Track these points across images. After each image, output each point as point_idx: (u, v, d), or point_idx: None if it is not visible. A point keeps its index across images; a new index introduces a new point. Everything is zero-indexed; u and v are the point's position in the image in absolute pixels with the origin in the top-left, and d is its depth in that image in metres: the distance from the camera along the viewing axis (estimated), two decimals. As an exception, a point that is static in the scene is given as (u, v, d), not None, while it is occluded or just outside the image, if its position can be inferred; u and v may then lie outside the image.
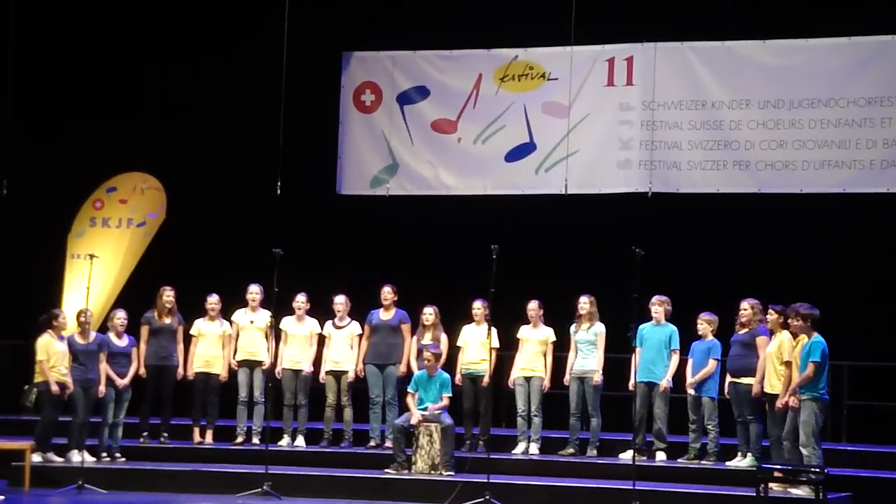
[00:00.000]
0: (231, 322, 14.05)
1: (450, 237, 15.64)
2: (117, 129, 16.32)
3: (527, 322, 13.69)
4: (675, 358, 13.19)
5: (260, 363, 13.91)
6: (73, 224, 16.32)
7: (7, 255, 16.20)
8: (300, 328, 13.98)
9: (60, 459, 13.14)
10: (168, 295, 13.88)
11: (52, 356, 12.99)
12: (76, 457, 13.08)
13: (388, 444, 13.37)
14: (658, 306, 13.25)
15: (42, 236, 16.17)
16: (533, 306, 13.64)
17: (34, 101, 16.00)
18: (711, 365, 12.97)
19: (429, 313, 13.76)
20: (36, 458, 12.91)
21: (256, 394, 13.92)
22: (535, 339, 13.62)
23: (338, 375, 13.94)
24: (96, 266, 13.74)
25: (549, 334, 13.63)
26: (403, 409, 13.40)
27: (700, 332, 13.12)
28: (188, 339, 14.01)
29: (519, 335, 13.70)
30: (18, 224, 16.02)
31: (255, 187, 15.60)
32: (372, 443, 13.79)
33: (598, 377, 13.40)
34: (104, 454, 13.40)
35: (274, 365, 13.87)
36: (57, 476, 12.79)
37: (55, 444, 13.19)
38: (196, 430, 13.98)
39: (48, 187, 16.08)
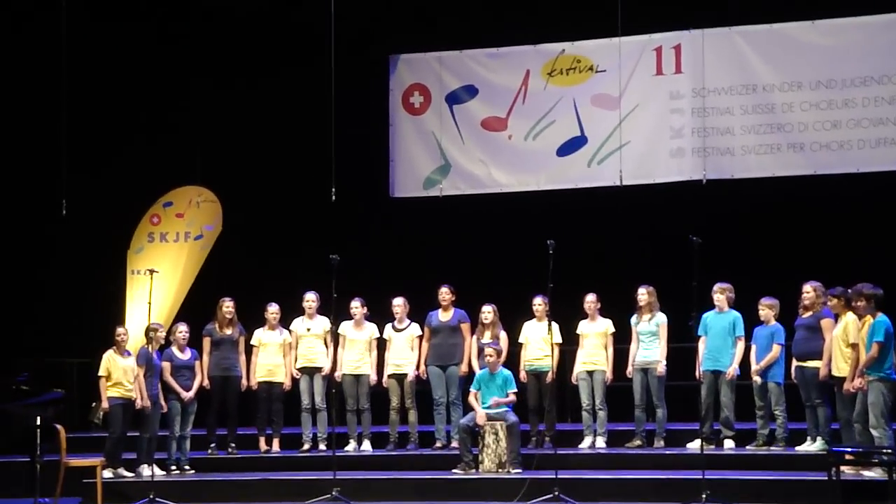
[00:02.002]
0: (290, 331, 14.12)
1: (505, 234, 15.64)
2: (171, 144, 16.45)
3: (585, 316, 13.66)
4: (741, 345, 13.09)
5: (319, 370, 13.97)
6: (132, 240, 16.47)
7: (69, 274, 16.38)
8: (359, 333, 14.01)
9: (131, 474, 13.27)
10: (227, 306, 13.98)
11: (113, 372, 13.14)
12: (146, 471, 13.19)
13: (455, 444, 13.38)
14: (720, 294, 13.17)
15: (102, 254, 16.32)
16: (590, 300, 13.61)
17: (89, 121, 16.14)
18: (776, 350, 12.88)
19: (487, 311, 13.75)
20: (107, 473, 13.03)
21: (317, 400, 13.98)
22: (593, 332, 13.59)
23: (400, 378, 13.96)
24: (156, 281, 13.85)
25: (607, 326, 13.59)
26: (467, 408, 13.40)
27: (762, 318, 13.02)
28: (249, 348, 14.09)
29: (578, 330, 13.67)
30: (79, 243, 16.20)
31: (310, 194, 15.65)
32: (438, 444, 13.80)
33: (661, 367, 13.34)
34: (173, 467, 13.52)
35: (333, 370, 13.92)
36: (128, 491, 12.90)
37: (125, 460, 13.32)
38: (262, 440, 14.06)
39: (106, 206, 16.24)
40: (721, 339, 13.07)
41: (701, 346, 13.02)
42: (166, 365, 13.50)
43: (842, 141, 15.01)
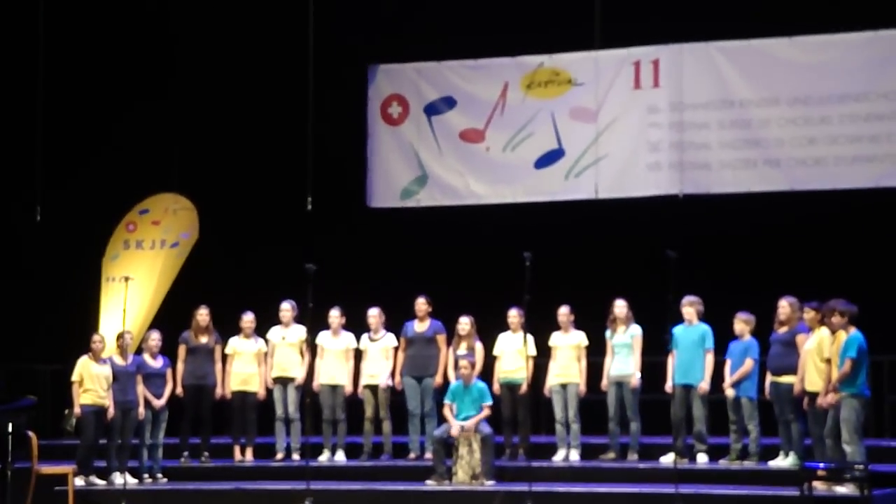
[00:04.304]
0: (266, 340, 14.09)
1: (482, 246, 15.62)
2: (148, 151, 16.40)
3: (559, 328, 13.66)
4: (711, 358, 13.11)
5: (293, 380, 13.95)
6: (107, 247, 16.40)
7: (43, 280, 16.30)
8: (336, 343, 14.00)
9: (103, 482, 13.22)
10: (202, 314, 13.95)
11: (87, 379, 13.08)
12: (118, 479, 13.15)
13: (428, 455, 13.36)
14: (689, 307, 13.19)
15: (77, 261, 16.25)
16: (563, 312, 13.61)
17: (65, 127, 16.09)
18: (748, 364, 12.89)
19: (464, 323, 13.75)
20: (79, 481, 12.99)
21: (291, 410, 13.95)
22: (567, 345, 13.58)
23: (375, 389, 13.94)
24: (132, 288, 13.85)
25: (581, 339, 13.59)
26: (442, 420, 13.38)
27: (737, 332, 13.05)
28: (224, 357, 14.05)
29: (551, 343, 13.66)
30: (53, 249, 16.12)
31: (287, 204, 15.63)
32: (412, 455, 13.79)
33: (635, 380, 13.35)
34: (146, 475, 13.46)
35: (309, 381, 13.90)
36: (100, 499, 12.89)
37: (97, 468, 13.26)
38: (236, 449, 14.02)
39: (81, 212, 16.17)
40: (691, 353, 13.08)
41: (671, 359, 13.04)
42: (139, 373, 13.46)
43: (818, 157, 15.04)
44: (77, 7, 16.12)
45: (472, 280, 15.39)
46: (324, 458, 13.90)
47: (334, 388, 13.96)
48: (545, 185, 15.94)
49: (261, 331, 14.14)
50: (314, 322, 13.38)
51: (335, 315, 13.98)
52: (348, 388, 13.97)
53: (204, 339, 13.95)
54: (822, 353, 11.86)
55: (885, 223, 14.55)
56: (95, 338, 13.37)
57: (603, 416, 13.51)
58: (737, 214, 15.12)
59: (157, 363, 13.66)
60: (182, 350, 13.96)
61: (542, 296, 12.48)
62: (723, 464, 12.94)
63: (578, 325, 13.65)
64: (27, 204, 14.83)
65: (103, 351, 13.35)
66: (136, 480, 13.30)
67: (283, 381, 14.00)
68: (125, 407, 13.25)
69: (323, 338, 13.99)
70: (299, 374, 13.93)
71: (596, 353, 13.62)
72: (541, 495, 12.02)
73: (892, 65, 14.79)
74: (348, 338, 14.04)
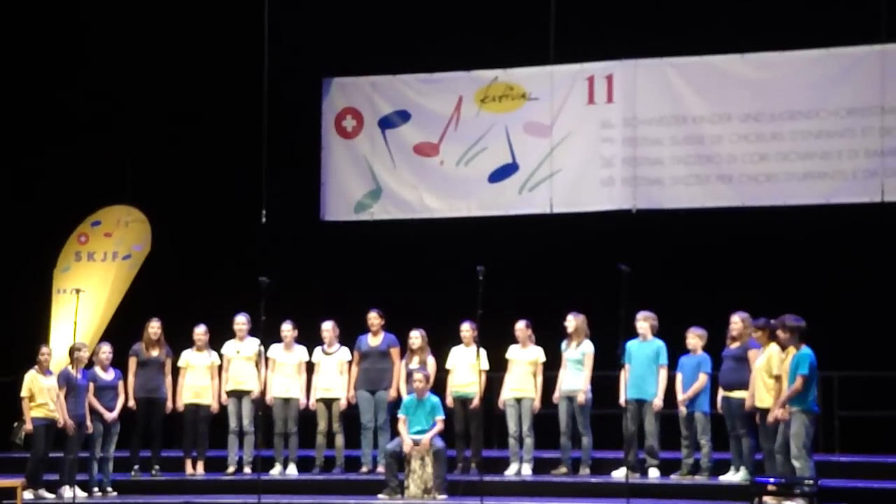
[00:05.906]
0: (220, 353, 14.04)
1: (436, 260, 15.64)
2: (100, 163, 16.30)
3: (515, 342, 13.68)
4: (664, 373, 13.17)
5: (248, 392, 13.90)
6: (59, 259, 16.31)
7: (-7, 292, 16.18)
8: (288, 356, 13.96)
9: (52, 496, 13.09)
10: (154, 327, 13.88)
11: (36, 392, 12.97)
12: (68, 492, 13.03)
13: (381, 469, 13.34)
14: (644, 322, 13.24)
15: (27, 272, 16.13)
16: (521, 326, 13.62)
17: (15, 138, 15.97)
18: (703, 380, 12.96)
19: (415, 337, 13.75)
20: (28, 495, 12.86)
21: (245, 423, 13.89)
22: (524, 359, 13.59)
23: (328, 402, 13.91)
24: (83, 300, 13.74)
25: (538, 354, 13.61)
26: (395, 434, 13.37)
27: (690, 347, 13.11)
28: (177, 370, 13.98)
29: (508, 356, 13.68)
30: (3, 260, 15.99)
31: (240, 216, 15.58)
32: (364, 469, 13.76)
33: (582, 397, 13.35)
34: (96, 489, 13.36)
35: (263, 394, 13.86)
36: (49, 513, 12.76)
37: (47, 481, 13.14)
38: (188, 462, 13.94)
39: (32, 223, 16.06)
40: (644, 368, 13.13)
41: (624, 374, 13.09)
42: (90, 385, 13.35)
43: (769, 174, 15.16)
44: (26, 12, 16.04)
45: (425, 294, 15.39)
46: (275, 471, 13.85)
47: (287, 402, 13.93)
48: (499, 199, 15.98)
49: (214, 344, 14.08)
50: (267, 335, 13.33)
51: (287, 329, 13.96)
52: (302, 402, 13.94)
53: (155, 353, 13.88)
54: (772, 369, 11.94)
55: (836, 239, 14.68)
56: (43, 350, 13.26)
57: (555, 430, 13.52)
58: (689, 230, 15.21)
59: (108, 376, 13.57)
60: (133, 363, 13.88)
61: (496, 310, 12.49)
62: (674, 478, 12.98)
63: (536, 339, 13.65)
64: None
65: (49, 363, 13.23)
66: (85, 494, 13.19)
67: (238, 395, 13.95)
68: (80, 420, 13.15)
69: (275, 351, 13.95)
70: (255, 387, 13.88)
71: (551, 367, 13.64)
72: (493, 509, 12.04)
73: (842, 82, 14.95)
74: (301, 351, 14.01)
